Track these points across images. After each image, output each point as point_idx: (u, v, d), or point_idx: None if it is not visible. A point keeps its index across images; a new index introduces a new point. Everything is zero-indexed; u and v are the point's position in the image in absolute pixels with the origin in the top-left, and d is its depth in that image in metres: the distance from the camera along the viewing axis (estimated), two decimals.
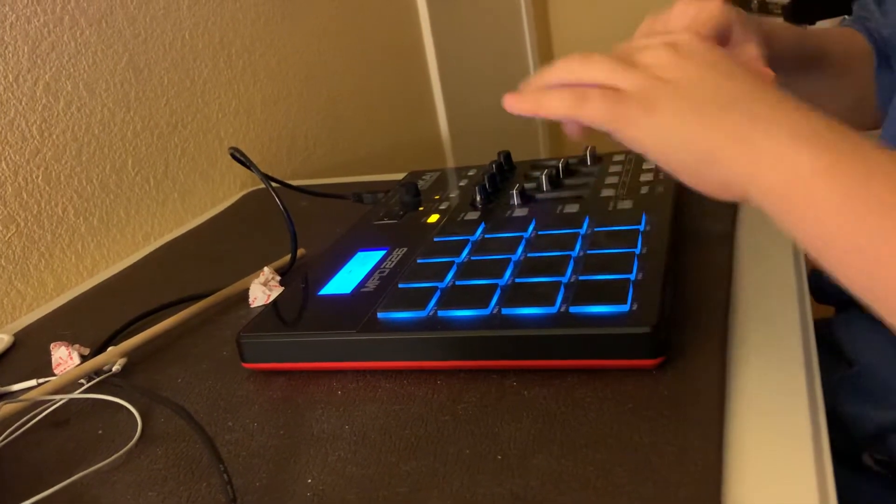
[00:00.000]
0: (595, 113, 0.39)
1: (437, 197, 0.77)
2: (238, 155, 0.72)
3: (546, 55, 2.61)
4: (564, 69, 0.42)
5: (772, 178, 0.34)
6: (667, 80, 0.38)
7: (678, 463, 0.38)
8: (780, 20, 0.60)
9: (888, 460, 0.60)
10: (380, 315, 0.52)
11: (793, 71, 0.60)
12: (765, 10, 1.85)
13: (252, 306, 0.66)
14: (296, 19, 1.28)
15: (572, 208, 0.65)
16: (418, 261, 0.59)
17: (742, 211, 0.66)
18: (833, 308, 0.72)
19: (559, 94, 0.41)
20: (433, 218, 0.70)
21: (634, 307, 0.46)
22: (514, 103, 0.43)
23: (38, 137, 0.83)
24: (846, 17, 2.01)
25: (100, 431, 0.51)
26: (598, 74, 0.40)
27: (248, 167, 0.72)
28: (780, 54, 0.57)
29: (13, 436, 0.52)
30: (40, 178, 0.83)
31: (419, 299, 0.52)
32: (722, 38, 0.49)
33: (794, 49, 0.60)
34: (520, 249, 0.58)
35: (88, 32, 0.90)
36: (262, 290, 0.66)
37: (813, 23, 1.82)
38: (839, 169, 0.33)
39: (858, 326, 0.65)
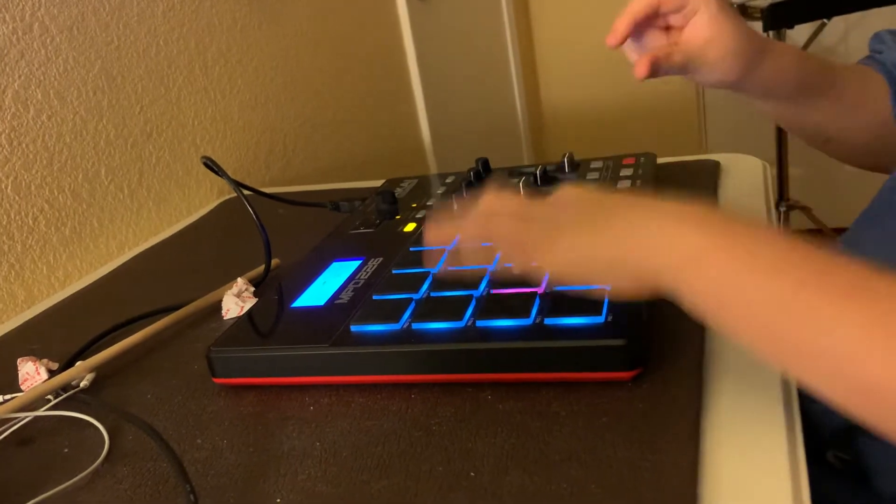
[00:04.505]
0: (518, 263, 0.46)
1: (414, 205, 0.76)
2: (210, 163, 0.71)
3: (528, 60, 2.61)
4: (475, 229, 0.47)
5: (670, 261, 0.38)
6: (556, 220, 0.44)
7: (653, 479, 0.37)
8: (790, 44, 0.61)
9: (851, 459, 0.60)
10: (353, 328, 0.51)
11: (794, 94, 0.60)
12: (744, 13, 1.86)
13: (225, 318, 0.65)
14: (273, 24, 1.27)
15: None
16: (393, 271, 0.58)
17: None
18: None
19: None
20: (410, 227, 0.70)
21: (609, 318, 0.46)
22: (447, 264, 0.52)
23: (6, 147, 0.82)
24: (825, 20, 2.00)
25: (66, 450, 0.50)
26: (503, 230, 0.46)
27: (220, 175, 0.71)
28: (780, 74, 0.57)
29: None
30: (9, 187, 0.82)
31: (393, 312, 0.51)
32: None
33: (796, 71, 0.60)
34: (496, 260, 0.57)
35: (59, 39, 0.88)
36: (236, 302, 0.65)
37: (791, 27, 1.82)
38: (722, 240, 0.37)
39: None
